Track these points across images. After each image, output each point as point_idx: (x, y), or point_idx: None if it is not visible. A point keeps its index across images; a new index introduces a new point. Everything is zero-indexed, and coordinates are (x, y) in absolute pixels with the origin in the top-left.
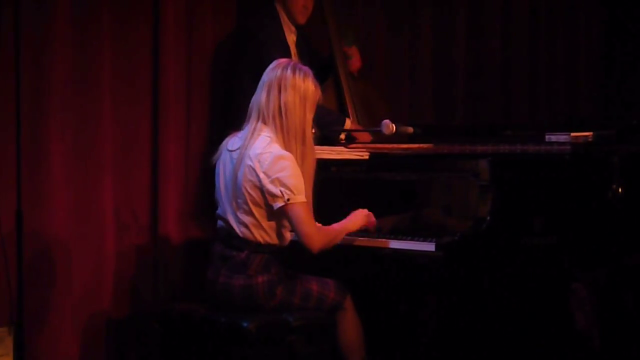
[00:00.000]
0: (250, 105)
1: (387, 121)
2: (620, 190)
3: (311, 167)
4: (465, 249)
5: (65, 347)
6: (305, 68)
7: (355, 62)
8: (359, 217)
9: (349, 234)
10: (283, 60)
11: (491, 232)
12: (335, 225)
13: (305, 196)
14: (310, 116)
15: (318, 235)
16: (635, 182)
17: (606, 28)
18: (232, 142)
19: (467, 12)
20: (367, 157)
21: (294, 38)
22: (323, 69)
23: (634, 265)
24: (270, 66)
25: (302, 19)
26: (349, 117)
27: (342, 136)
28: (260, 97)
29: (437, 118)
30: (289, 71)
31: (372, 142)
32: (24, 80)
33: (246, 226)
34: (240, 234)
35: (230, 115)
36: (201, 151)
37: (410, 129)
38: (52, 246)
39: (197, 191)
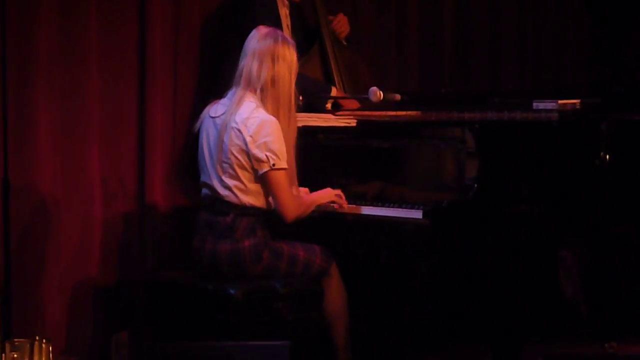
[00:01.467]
0: (238, 72)
1: (374, 88)
2: (607, 157)
3: (294, 134)
4: (453, 216)
5: (52, 314)
6: (289, 38)
7: (343, 28)
8: (328, 192)
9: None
10: (269, 30)
11: (478, 200)
12: (307, 197)
13: (288, 163)
14: (294, 85)
15: (294, 204)
16: (623, 150)
17: None
18: (215, 109)
19: None
20: (354, 125)
21: (287, 11)
22: (308, 36)
23: (621, 233)
24: (256, 35)
25: None
26: (334, 85)
27: (329, 105)
28: (250, 66)
29: (424, 86)
30: (279, 42)
31: (360, 109)
32: (10, 48)
33: (231, 190)
34: (226, 198)
35: (217, 83)
36: (188, 120)
37: (398, 96)
38: (40, 214)
39: (184, 160)
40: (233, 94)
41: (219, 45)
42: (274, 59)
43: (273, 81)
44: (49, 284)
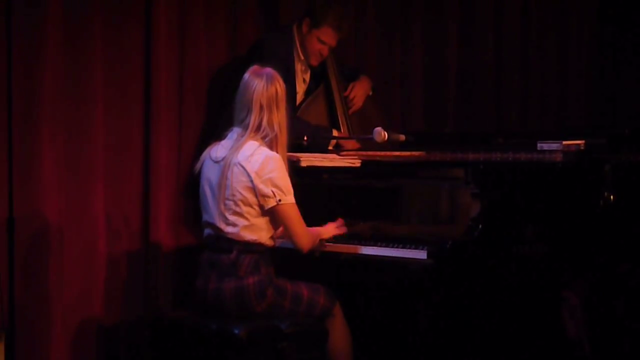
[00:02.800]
0: (242, 117)
1: (379, 129)
2: (612, 198)
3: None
4: (457, 256)
5: (56, 353)
6: (274, 70)
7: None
8: (331, 227)
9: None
10: (262, 72)
11: (483, 240)
12: (313, 229)
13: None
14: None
15: (308, 236)
16: (627, 190)
17: (598, 35)
18: (215, 149)
19: (458, 20)
20: (359, 165)
21: (302, 67)
22: (314, 78)
23: (625, 273)
24: (256, 82)
25: (314, 62)
26: (338, 126)
27: (331, 146)
28: (260, 117)
29: (429, 126)
30: (278, 83)
31: (364, 149)
32: (15, 85)
33: (235, 226)
34: (229, 235)
35: (224, 122)
36: (193, 157)
37: (402, 137)
38: (44, 252)
39: (188, 198)
40: (234, 134)
41: (229, 86)
42: (278, 105)
43: (280, 127)
44: (53, 322)
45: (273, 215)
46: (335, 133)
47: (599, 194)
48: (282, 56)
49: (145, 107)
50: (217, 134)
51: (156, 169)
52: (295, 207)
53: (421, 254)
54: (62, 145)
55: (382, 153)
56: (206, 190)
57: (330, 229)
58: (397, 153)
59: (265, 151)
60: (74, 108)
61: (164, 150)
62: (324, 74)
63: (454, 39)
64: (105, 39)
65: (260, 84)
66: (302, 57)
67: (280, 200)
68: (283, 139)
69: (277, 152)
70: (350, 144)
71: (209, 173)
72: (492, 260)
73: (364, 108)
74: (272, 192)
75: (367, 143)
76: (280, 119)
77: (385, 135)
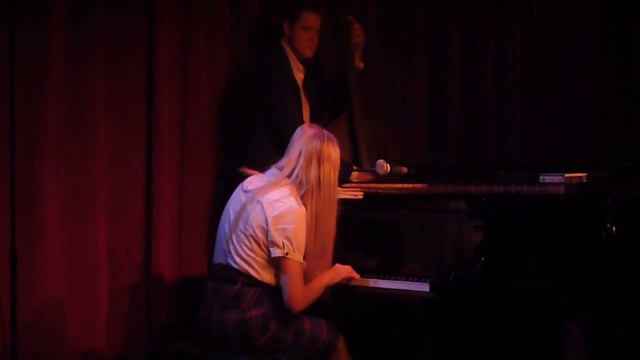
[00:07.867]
0: (285, 161)
1: (381, 161)
2: (614, 230)
3: (334, 231)
4: (459, 289)
5: None
6: (333, 137)
7: (359, 33)
8: (339, 273)
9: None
10: (316, 130)
11: (485, 273)
12: (315, 283)
13: (324, 257)
14: (337, 182)
15: (303, 298)
16: (629, 223)
17: (600, 65)
18: (250, 180)
19: (461, 52)
20: (361, 197)
21: (302, 76)
22: (337, 103)
23: (627, 305)
24: (306, 133)
25: (309, 53)
26: (359, 152)
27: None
28: (296, 163)
29: (431, 158)
30: (325, 142)
31: (366, 182)
32: (17, 117)
33: (245, 260)
34: (237, 266)
35: (242, 153)
36: (195, 190)
37: (405, 169)
38: (46, 285)
39: (190, 230)
40: (273, 175)
41: (241, 114)
42: (320, 160)
43: (319, 182)
44: (56, 355)
45: (277, 265)
46: (354, 175)
47: (601, 226)
48: (287, 79)
49: (147, 139)
50: (244, 163)
51: (158, 202)
52: (300, 266)
53: (424, 287)
54: (64, 176)
55: (384, 185)
56: (226, 215)
57: (337, 275)
58: (399, 185)
59: (291, 201)
60: (77, 139)
61: (165, 182)
62: (348, 101)
63: (455, 71)
64: (108, 69)
65: (308, 134)
66: (301, 66)
67: (287, 254)
68: (322, 195)
69: (308, 207)
70: (363, 175)
71: (235, 200)
72: (495, 292)
73: (381, 135)
74: (283, 243)
75: (370, 175)
76: (321, 174)
77: (387, 167)
